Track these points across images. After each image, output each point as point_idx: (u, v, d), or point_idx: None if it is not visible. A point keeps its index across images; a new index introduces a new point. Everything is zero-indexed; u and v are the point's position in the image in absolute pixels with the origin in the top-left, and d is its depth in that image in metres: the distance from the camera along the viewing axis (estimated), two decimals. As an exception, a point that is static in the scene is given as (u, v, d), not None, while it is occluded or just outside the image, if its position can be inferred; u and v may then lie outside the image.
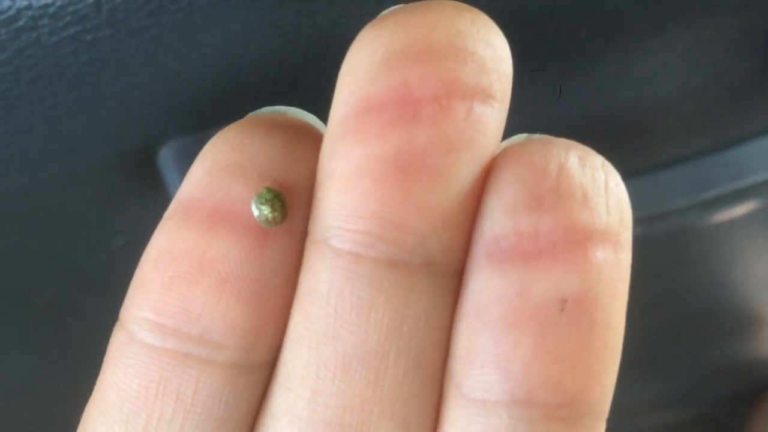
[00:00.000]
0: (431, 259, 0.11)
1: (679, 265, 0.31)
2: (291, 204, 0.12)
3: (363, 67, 0.11)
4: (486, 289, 0.11)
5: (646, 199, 0.21)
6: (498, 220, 0.11)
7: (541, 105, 0.22)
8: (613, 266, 0.11)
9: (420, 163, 0.11)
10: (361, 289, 0.11)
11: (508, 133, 0.23)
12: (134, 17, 0.15)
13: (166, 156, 0.18)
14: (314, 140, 0.12)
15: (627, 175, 0.22)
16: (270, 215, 0.12)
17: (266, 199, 0.12)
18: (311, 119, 0.13)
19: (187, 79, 0.17)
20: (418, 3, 0.11)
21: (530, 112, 0.22)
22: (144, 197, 0.19)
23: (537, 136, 0.12)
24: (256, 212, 0.12)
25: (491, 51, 0.11)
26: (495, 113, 0.11)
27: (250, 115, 0.13)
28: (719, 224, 0.23)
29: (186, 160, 0.18)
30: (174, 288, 0.12)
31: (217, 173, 0.12)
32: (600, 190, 0.11)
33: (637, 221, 0.22)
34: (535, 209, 0.11)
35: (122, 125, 0.17)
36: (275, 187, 0.12)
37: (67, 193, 0.19)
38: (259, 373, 0.12)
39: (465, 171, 0.11)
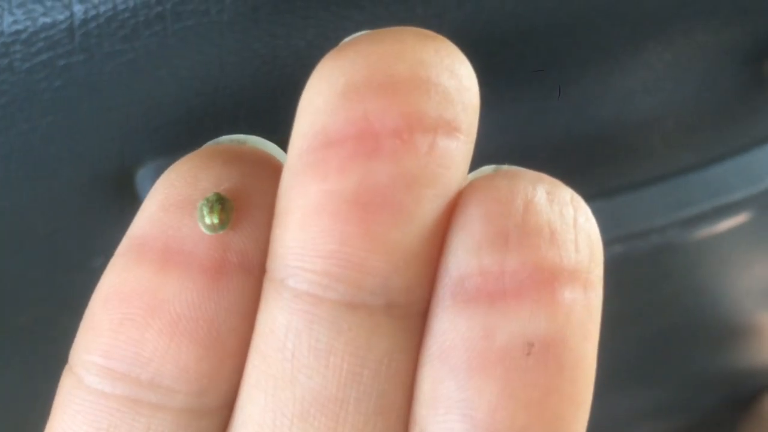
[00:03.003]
0: (393, 300, 0.11)
1: (665, 278, 0.31)
2: (249, 238, 0.11)
3: (322, 98, 0.11)
4: (450, 331, 0.11)
5: (626, 217, 0.21)
6: (463, 259, 0.11)
7: (523, 123, 0.22)
8: (583, 306, 0.11)
9: (381, 199, 0.10)
10: (319, 332, 0.11)
11: (491, 152, 0.23)
12: (107, 42, 0.15)
13: (143, 177, 0.18)
14: (274, 172, 0.12)
15: (607, 193, 0.22)
16: (215, 220, 0.11)
17: (208, 210, 0.11)
18: (271, 149, 0.12)
19: (163, 102, 0.17)
20: (381, 31, 0.11)
21: (512, 131, 0.22)
22: (122, 218, 0.19)
23: (505, 167, 0.12)
24: (208, 232, 0.11)
25: (456, 81, 0.11)
26: (460, 146, 0.11)
27: (208, 144, 0.12)
28: (702, 239, 0.23)
29: (164, 181, 0.18)
30: (124, 330, 0.11)
31: (170, 209, 0.11)
32: (569, 226, 0.11)
33: (618, 239, 0.22)
34: (501, 247, 0.11)
35: (99, 148, 0.17)
36: (207, 194, 0.11)
37: (45, 216, 0.19)
38: (213, 418, 0.12)
39: (428, 207, 0.11)
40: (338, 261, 0.10)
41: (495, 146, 0.23)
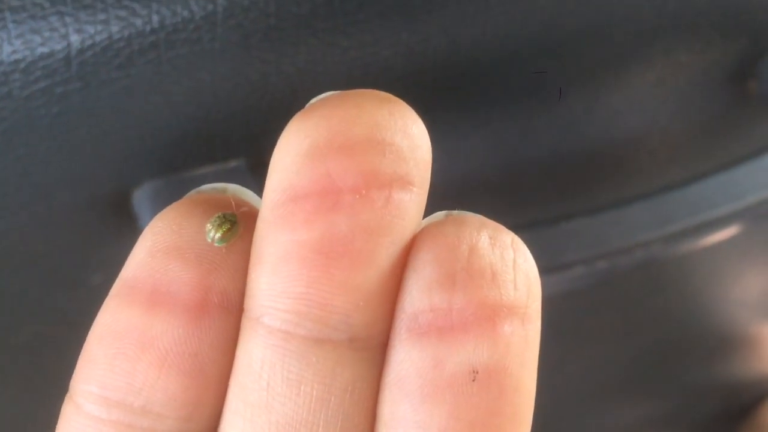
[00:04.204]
0: (355, 335, 0.12)
1: (657, 292, 0.31)
2: (228, 280, 0.12)
3: (290, 157, 0.12)
4: (406, 361, 0.12)
5: (610, 234, 0.21)
6: (416, 298, 0.12)
7: (511, 142, 0.22)
8: (521, 338, 0.12)
9: (342, 248, 0.12)
10: (291, 364, 0.12)
11: (482, 171, 0.23)
12: (103, 70, 0.15)
13: (139, 197, 0.19)
14: (250, 219, 0.13)
15: (593, 210, 0.22)
16: (218, 235, 0.13)
17: (217, 225, 0.13)
18: (249, 196, 0.14)
19: (157, 126, 0.17)
20: (342, 94, 0.12)
21: (500, 150, 0.22)
22: (119, 236, 0.20)
23: (455, 213, 0.13)
24: (210, 242, 0.13)
25: (408, 141, 0.12)
26: (413, 197, 0.12)
27: (191, 193, 0.14)
28: (690, 254, 0.24)
29: (159, 200, 0.19)
30: (118, 364, 0.12)
31: (157, 254, 0.13)
32: (508, 267, 0.12)
33: (602, 255, 0.22)
34: (449, 288, 0.12)
35: (96, 170, 0.18)
36: (218, 213, 0.13)
37: (44, 236, 0.19)
38: None
39: (385, 253, 0.12)
40: (306, 301, 0.12)
41: (485, 166, 0.23)
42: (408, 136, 0.12)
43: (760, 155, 0.23)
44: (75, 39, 0.15)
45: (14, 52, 0.15)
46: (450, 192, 0.22)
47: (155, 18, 0.15)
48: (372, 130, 0.12)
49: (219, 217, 0.13)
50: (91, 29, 0.15)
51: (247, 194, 0.14)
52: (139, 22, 0.15)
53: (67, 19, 0.15)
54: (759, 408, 0.41)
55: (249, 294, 0.12)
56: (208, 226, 0.13)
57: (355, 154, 0.12)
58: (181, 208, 0.13)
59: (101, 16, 0.15)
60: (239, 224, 0.13)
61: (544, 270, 0.22)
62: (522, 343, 0.12)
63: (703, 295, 0.33)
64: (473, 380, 0.12)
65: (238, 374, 0.12)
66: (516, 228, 0.13)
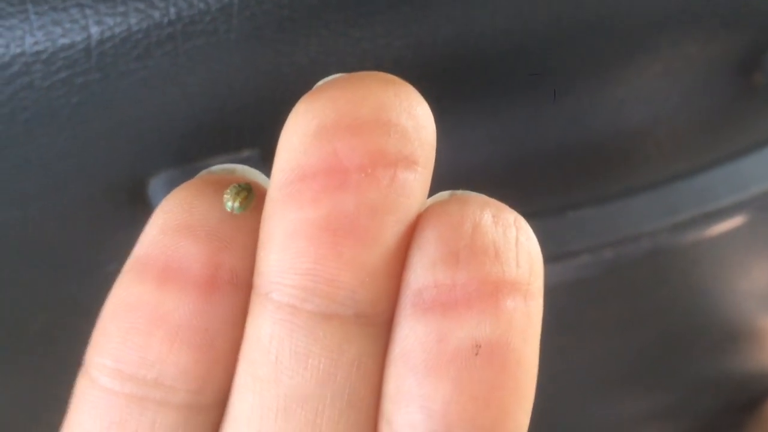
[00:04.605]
0: (361, 310, 0.12)
1: (662, 283, 0.31)
2: (238, 257, 0.13)
3: (298, 137, 0.12)
4: (410, 336, 0.12)
5: (616, 223, 0.22)
6: (421, 274, 0.12)
7: (518, 133, 0.22)
8: (523, 313, 0.12)
9: (348, 225, 0.12)
10: (299, 339, 0.12)
11: (489, 162, 0.23)
12: (122, 61, 0.16)
13: (155, 186, 0.19)
14: (259, 198, 0.13)
15: (600, 200, 0.22)
16: (236, 204, 0.13)
17: (234, 194, 0.13)
18: (258, 177, 0.14)
19: (174, 117, 0.17)
20: (348, 76, 0.13)
21: (508, 141, 0.22)
22: (135, 225, 0.20)
23: (459, 192, 0.13)
24: (228, 210, 0.13)
25: (413, 121, 0.12)
26: (418, 177, 0.12)
27: (203, 172, 0.14)
28: (695, 244, 0.24)
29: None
30: (131, 338, 0.13)
31: (168, 232, 0.13)
32: (511, 245, 0.13)
33: (608, 244, 0.22)
34: (453, 264, 0.12)
35: (112, 160, 0.18)
36: (233, 183, 0.13)
37: (61, 225, 0.19)
38: (210, 412, 0.13)
39: (390, 231, 0.12)
40: (313, 277, 0.12)
41: (493, 156, 0.24)
42: (413, 117, 0.12)
43: (765, 146, 0.24)
44: (95, 30, 0.15)
45: (36, 43, 0.15)
46: (458, 182, 0.23)
47: (172, 10, 0.15)
48: (378, 111, 0.12)
49: (235, 186, 0.13)
50: (110, 21, 0.15)
51: (255, 175, 0.14)
52: (157, 14, 0.15)
53: (88, 11, 0.15)
54: (765, 401, 0.41)
55: (258, 271, 0.13)
56: (226, 196, 0.13)
57: (362, 134, 0.12)
58: (192, 188, 0.13)
59: (120, 8, 0.15)
60: (254, 193, 0.13)
61: (551, 258, 0.23)
62: (524, 319, 0.12)
63: (709, 285, 0.33)
64: (476, 354, 0.12)
65: (247, 348, 0.13)
66: (523, 216, 0.13)
